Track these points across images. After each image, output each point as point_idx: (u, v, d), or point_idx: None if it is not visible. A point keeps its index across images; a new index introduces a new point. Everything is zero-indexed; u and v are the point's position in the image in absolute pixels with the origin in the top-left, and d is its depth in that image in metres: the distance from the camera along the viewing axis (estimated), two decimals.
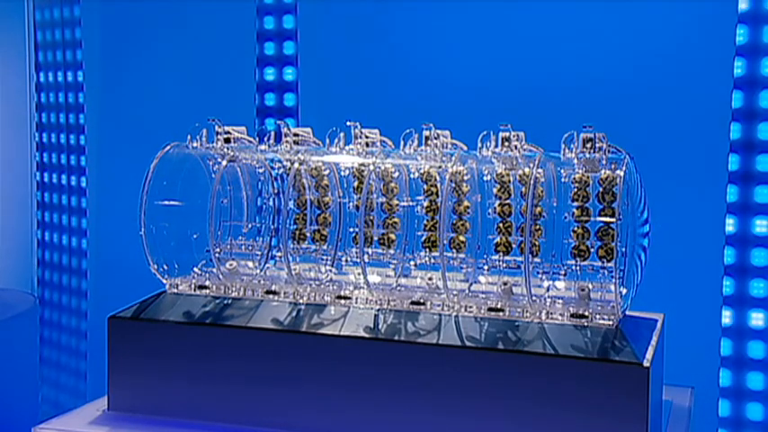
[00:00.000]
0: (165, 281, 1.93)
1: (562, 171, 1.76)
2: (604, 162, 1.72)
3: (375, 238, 1.87)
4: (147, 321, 1.85)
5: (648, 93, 2.44)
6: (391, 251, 1.87)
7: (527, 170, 1.75)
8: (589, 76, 2.46)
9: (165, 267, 1.92)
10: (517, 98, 2.49)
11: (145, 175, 1.88)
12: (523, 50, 2.54)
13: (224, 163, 1.91)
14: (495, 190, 1.79)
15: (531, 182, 1.70)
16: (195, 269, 1.95)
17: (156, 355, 1.83)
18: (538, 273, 1.78)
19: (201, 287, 1.92)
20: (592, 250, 1.73)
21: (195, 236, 1.93)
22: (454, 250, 1.81)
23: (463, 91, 2.56)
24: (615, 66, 2.47)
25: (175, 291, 1.93)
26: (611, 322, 1.70)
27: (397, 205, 1.85)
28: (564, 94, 2.46)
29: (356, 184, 1.87)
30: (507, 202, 1.78)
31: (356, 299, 1.83)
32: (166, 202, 1.91)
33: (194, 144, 1.94)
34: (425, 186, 1.83)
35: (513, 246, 1.79)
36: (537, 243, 1.74)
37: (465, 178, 1.82)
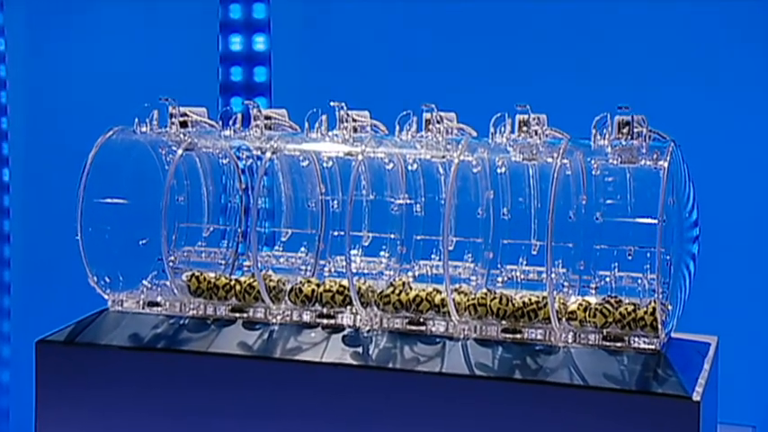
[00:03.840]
0: (106, 296, 1.93)
1: (593, 162, 1.77)
2: (644, 151, 1.72)
3: (365, 244, 1.88)
4: (84, 346, 1.84)
5: (698, 66, 2.47)
6: (384, 260, 1.88)
7: (550, 160, 1.76)
8: (624, 41, 2.47)
9: (107, 280, 1.92)
10: (537, 73, 2.49)
11: (82, 167, 1.87)
12: (545, 12, 2.56)
13: (179, 152, 1.90)
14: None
15: (555, 175, 1.69)
16: (144, 282, 1.95)
17: (95, 388, 1.83)
18: (563, 286, 1.79)
19: (152, 304, 1.92)
20: (629, 258, 1.75)
21: (144, 241, 1.93)
22: (462, 259, 1.82)
23: (471, 64, 2.57)
24: (658, 34, 2.49)
25: (119, 308, 1.93)
26: (653, 346, 1.70)
27: (392, 204, 1.86)
28: (594, 66, 2.48)
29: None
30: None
31: (342, 318, 1.84)
32: (108, 201, 1.91)
33: (143, 129, 1.94)
34: (426, 180, 1.86)
35: (534, 252, 1.80)
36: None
37: (474, 171, 1.82)
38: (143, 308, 1.92)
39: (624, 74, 2.49)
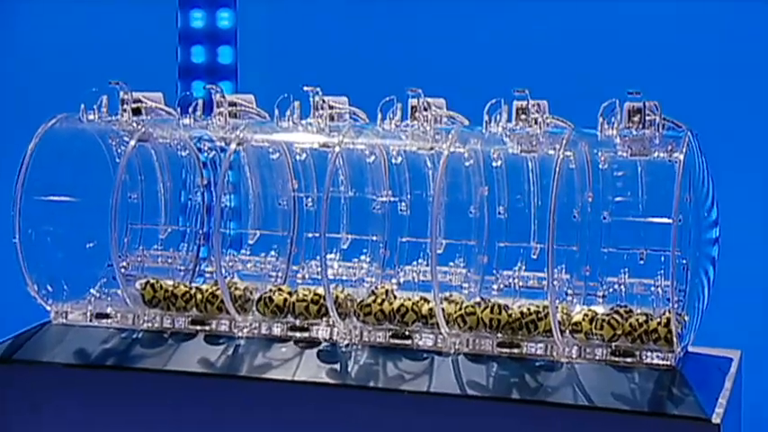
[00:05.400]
0: (48, 307, 1.92)
1: (599, 154, 1.76)
2: (657, 141, 1.72)
3: (343, 247, 1.88)
4: (23, 364, 1.84)
5: (715, 46, 2.48)
6: (365, 265, 1.88)
7: (551, 152, 1.75)
8: (630, 27, 2.49)
9: (50, 288, 1.91)
10: (537, 54, 2.50)
11: (21, 161, 1.86)
12: None
13: (132, 143, 1.89)
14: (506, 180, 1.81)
15: (557, 169, 1.69)
16: (92, 290, 1.94)
17: (35, 411, 1.82)
18: (567, 294, 1.79)
19: (101, 316, 1.91)
20: (641, 262, 1.74)
21: (91, 244, 1.93)
22: (452, 263, 1.81)
23: (462, 45, 2.58)
24: (673, 10, 2.51)
25: (64, 321, 1.92)
26: (667, 362, 1.70)
27: (374, 202, 1.86)
28: (599, 47, 2.48)
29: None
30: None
31: (317, 330, 1.83)
32: (51, 198, 1.90)
33: (90, 117, 1.92)
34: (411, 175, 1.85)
35: (533, 256, 1.79)
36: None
37: (466, 164, 1.81)
38: (90, 320, 1.91)
39: (635, 55, 2.50)
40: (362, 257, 1.90)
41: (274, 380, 1.74)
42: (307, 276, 1.91)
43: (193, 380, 1.76)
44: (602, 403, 1.63)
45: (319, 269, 1.82)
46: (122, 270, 1.90)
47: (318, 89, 1.86)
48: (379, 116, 1.83)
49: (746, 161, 2.44)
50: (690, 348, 1.77)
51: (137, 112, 1.92)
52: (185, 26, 2.74)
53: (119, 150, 1.93)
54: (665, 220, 1.68)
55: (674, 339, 1.68)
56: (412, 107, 1.81)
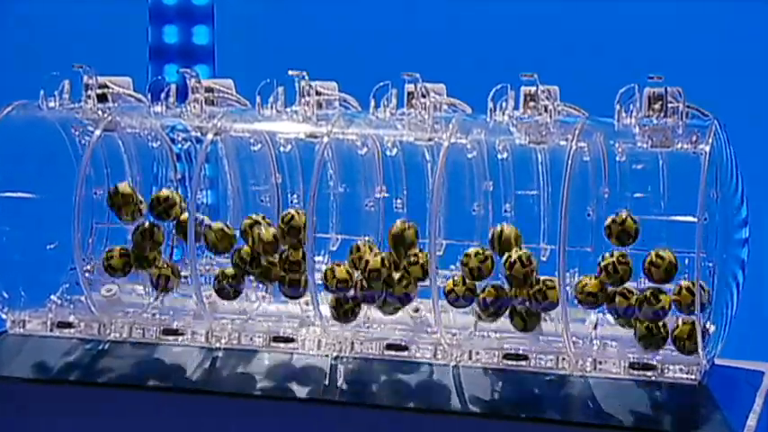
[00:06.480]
0: (4, 316, 1.92)
1: (617, 145, 1.75)
2: (681, 131, 1.70)
3: (332, 248, 1.87)
4: None
5: (743, 32, 2.49)
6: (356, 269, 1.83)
7: (563, 143, 1.74)
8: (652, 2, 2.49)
9: (5, 295, 1.90)
10: (546, 34, 2.50)
11: None
12: None
13: (97, 133, 1.88)
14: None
15: (570, 162, 1.68)
16: (53, 297, 1.94)
17: None
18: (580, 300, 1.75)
19: (63, 325, 1.90)
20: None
21: (52, 246, 1.93)
22: (452, 267, 1.79)
23: (464, 23, 2.58)
24: None
25: (21, 331, 1.91)
26: (692, 376, 1.69)
27: (366, 198, 1.85)
28: (616, 25, 2.48)
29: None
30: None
31: (303, 341, 1.82)
32: (7, 195, 1.90)
33: (50, 104, 1.91)
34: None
35: (543, 259, 1.77)
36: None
37: (469, 156, 1.80)
38: (51, 330, 1.90)
39: (657, 35, 2.49)
40: None
41: (255, 396, 1.73)
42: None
43: (166, 396, 1.75)
44: (618, 422, 1.61)
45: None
46: (86, 274, 1.90)
47: (305, 73, 1.84)
48: (372, 103, 1.82)
49: None
50: (716, 361, 1.76)
51: (102, 98, 1.91)
52: (156, 2, 2.72)
53: (82, 141, 1.92)
54: (689, 218, 1.67)
55: (699, 351, 1.66)
56: (408, 93, 1.80)
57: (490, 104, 1.76)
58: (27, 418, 1.79)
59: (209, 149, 1.86)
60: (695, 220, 1.64)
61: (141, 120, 1.93)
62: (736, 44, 2.48)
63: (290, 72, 1.83)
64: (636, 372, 1.69)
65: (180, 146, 1.96)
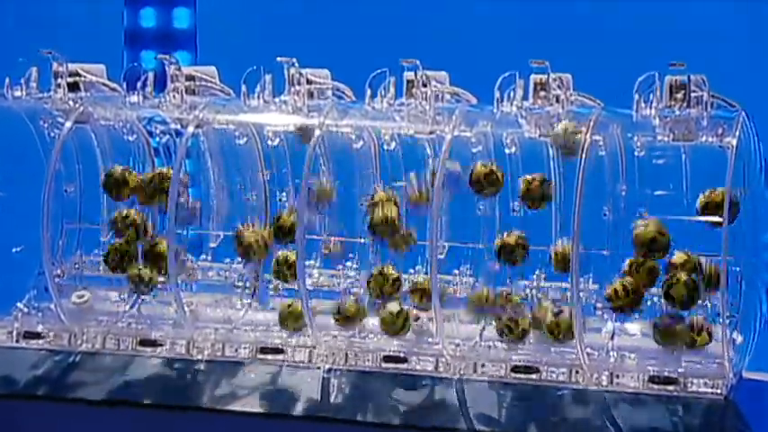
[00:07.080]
0: None
1: (635, 138, 1.72)
2: (705, 123, 1.68)
3: (323, 251, 1.85)
4: None
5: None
6: (351, 272, 1.85)
7: (578, 136, 1.71)
8: None
9: None
10: (558, 19, 2.47)
11: None
12: None
13: (68, 125, 1.86)
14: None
15: (584, 156, 1.65)
16: (19, 305, 1.92)
17: None
18: (595, 308, 1.75)
19: (30, 335, 1.88)
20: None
21: (18, 249, 1.91)
22: (456, 271, 1.80)
23: (468, 6, 2.55)
24: None
25: None
26: (717, 390, 1.66)
27: (361, 196, 1.83)
28: (635, 8, 2.47)
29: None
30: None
31: (293, 353, 1.80)
32: None
33: (17, 92, 1.89)
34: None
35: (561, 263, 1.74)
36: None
37: (474, 150, 1.78)
38: (17, 340, 1.88)
39: (678, 19, 2.48)
40: (348, 264, 1.87)
41: (241, 412, 1.69)
42: (279, 288, 1.88)
43: (142, 412, 1.71)
44: None
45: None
46: (56, 279, 1.87)
47: (294, 60, 1.82)
48: (368, 93, 1.80)
49: None
50: (744, 374, 1.74)
51: (74, 87, 1.90)
52: None
53: (51, 134, 1.91)
54: (713, 218, 1.67)
55: (726, 364, 1.65)
56: (408, 82, 1.79)
57: (497, 94, 1.75)
58: None
59: (189, 143, 1.85)
60: (720, 219, 1.63)
61: (116, 111, 1.92)
62: (762, 33, 2.49)
63: (279, 59, 1.82)
64: (656, 386, 1.67)
65: (158, 139, 1.94)
